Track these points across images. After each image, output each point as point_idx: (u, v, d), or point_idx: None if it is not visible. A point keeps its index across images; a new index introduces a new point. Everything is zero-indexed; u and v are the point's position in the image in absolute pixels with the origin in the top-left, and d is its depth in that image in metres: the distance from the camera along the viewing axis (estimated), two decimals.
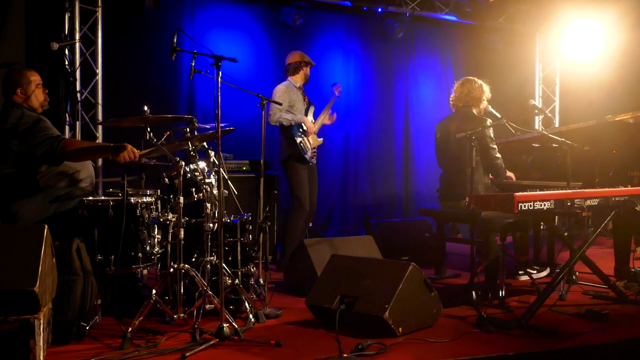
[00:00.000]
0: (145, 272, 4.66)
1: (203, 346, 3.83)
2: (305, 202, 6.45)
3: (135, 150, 4.39)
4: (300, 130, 6.44)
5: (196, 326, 4.04)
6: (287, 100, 6.41)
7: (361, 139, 8.83)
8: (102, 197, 4.57)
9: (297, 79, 6.62)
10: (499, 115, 5.59)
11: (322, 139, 6.67)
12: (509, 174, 5.96)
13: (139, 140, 4.51)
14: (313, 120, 6.59)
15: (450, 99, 6.15)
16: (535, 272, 5.96)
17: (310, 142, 6.47)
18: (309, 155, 6.46)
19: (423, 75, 9.34)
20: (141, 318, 4.07)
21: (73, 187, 4.61)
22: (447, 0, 8.92)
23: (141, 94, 7.04)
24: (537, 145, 6.28)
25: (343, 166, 8.71)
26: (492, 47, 9.61)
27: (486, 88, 6.00)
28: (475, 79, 6.02)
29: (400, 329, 4.08)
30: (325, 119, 6.73)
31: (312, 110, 6.65)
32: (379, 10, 8.65)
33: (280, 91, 6.48)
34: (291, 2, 7.95)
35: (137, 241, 4.38)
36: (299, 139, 6.40)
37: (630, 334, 4.26)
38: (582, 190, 4.69)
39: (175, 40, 4.26)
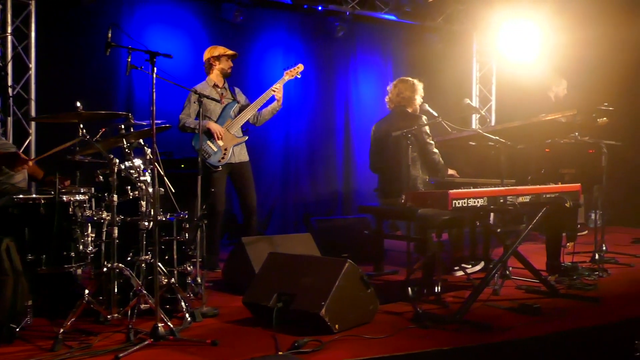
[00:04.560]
0: (79, 271, 4.56)
1: (137, 346, 3.77)
2: (218, 204, 6.33)
3: (26, 157, 4.30)
4: (205, 134, 6.27)
5: (131, 326, 3.98)
6: (195, 102, 6.17)
7: (302, 137, 8.84)
8: (33, 195, 4.46)
9: (213, 78, 6.45)
10: (435, 114, 5.65)
11: (245, 137, 6.45)
12: (451, 171, 6.03)
13: (73, 137, 4.42)
14: (232, 119, 6.39)
15: (385, 100, 6.21)
16: (469, 266, 6.07)
17: (217, 145, 6.29)
18: (214, 159, 6.28)
19: (364, 73, 9.42)
20: (74, 319, 3.98)
21: (3, 185, 4.48)
22: None
23: (78, 90, 6.90)
24: (473, 143, 6.38)
25: (284, 164, 8.71)
26: (431, 47, 9.77)
27: (419, 86, 6.08)
28: (408, 79, 6.10)
29: (337, 326, 4.09)
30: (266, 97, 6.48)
31: (236, 107, 6.47)
32: (320, 8, 8.67)
33: (191, 95, 6.31)
34: None
35: (70, 240, 4.29)
36: (199, 146, 6.24)
37: (561, 326, 4.36)
38: (514, 187, 4.78)
39: (110, 35, 4.19)
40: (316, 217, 7.63)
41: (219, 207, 6.39)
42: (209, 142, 6.29)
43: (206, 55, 6.45)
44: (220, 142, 6.31)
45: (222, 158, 6.32)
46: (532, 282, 5.39)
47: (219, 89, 6.46)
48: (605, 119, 7.41)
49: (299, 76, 6.61)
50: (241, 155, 6.47)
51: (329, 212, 8.93)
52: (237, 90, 6.64)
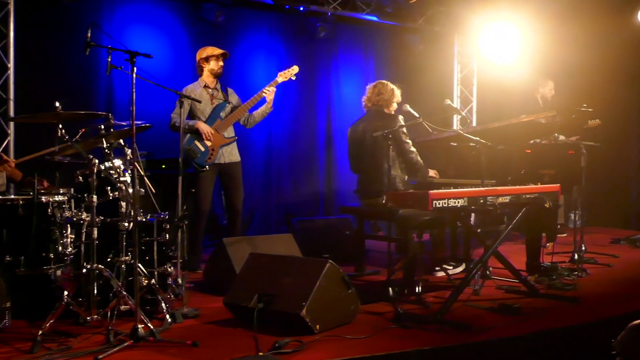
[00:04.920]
0: (58, 273, 4.53)
1: (117, 348, 3.75)
2: (202, 204, 6.36)
3: (7, 158, 4.27)
4: (194, 134, 6.30)
5: (110, 328, 3.96)
6: (185, 102, 6.21)
7: (284, 137, 8.83)
8: (12, 196, 4.42)
9: (204, 78, 6.46)
10: (417, 115, 5.66)
11: (233, 137, 6.45)
12: (432, 172, 6.03)
13: (53, 137, 4.39)
14: (222, 119, 6.39)
15: (362, 100, 6.21)
16: (451, 267, 6.10)
17: (205, 145, 6.29)
18: (201, 159, 6.29)
19: (346, 74, 9.43)
20: (53, 320, 3.95)
21: None
22: (369, 0, 9.02)
23: (57, 90, 6.83)
24: (454, 144, 6.42)
25: (265, 165, 8.70)
26: (413, 48, 9.80)
27: (397, 92, 6.09)
28: (389, 83, 6.12)
29: (318, 326, 4.10)
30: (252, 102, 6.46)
31: (228, 108, 6.47)
32: (301, 9, 8.67)
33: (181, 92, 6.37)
34: None
35: (49, 241, 4.26)
36: (187, 145, 6.26)
37: (540, 326, 4.39)
38: (494, 188, 4.81)
39: (89, 34, 4.17)
40: (298, 217, 7.63)
41: (203, 207, 6.39)
42: (197, 142, 6.29)
43: (196, 57, 6.49)
44: (209, 143, 6.31)
45: (209, 158, 6.31)
46: (512, 282, 5.42)
47: (210, 90, 6.46)
48: (597, 120, 7.52)
49: (293, 78, 6.60)
50: (231, 155, 6.46)
51: (310, 212, 8.93)
52: (230, 91, 6.64)
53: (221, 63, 6.46)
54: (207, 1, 7.94)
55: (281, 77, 6.51)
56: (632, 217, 9.64)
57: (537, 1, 8.94)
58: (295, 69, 6.56)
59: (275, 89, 6.47)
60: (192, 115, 6.40)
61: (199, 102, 6.19)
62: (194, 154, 6.27)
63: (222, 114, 6.43)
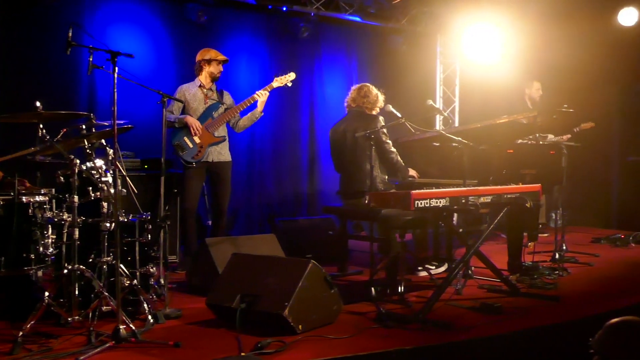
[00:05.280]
0: (39, 273, 4.50)
1: (98, 349, 3.74)
2: (186, 202, 6.40)
3: None
4: (184, 130, 6.33)
5: (92, 329, 3.94)
6: (179, 100, 6.32)
7: (267, 137, 8.82)
8: None
9: (201, 78, 6.52)
10: (399, 115, 5.69)
11: (222, 137, 6.46)
12: (412, 172, 6.06)
13: (33, 137, 4.36)
14: (213, 119, 6.41)
15: (346, 100, 6.20)
16: (433, 267, 6.12)
17: (193, 142, 6.32)
18: (188, 155, 6.31)
19: (329, 74, 9.43)
20: (34, 321, 3.92)
21: None
22: (352, 1, 9.03)
23: (38, 90, 6.78)
24: (437, 144, 6.45)
25: (248, 165, 8.68)
26: (396, 48, 9.83)
27: (381, 97, 6.11)
28: (374, 87, 6.13)
29: (300, 327, 4.10)
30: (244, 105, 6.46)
31: (221, 109, 6.49)
32: (284, 9, 8.66)
33: (177, 91, 6.49)
34: None
35: (30, 242, 4.23)
36: (176, 141, 6.31)
37: (521, 325, 4.43)
38: (476, 187, 4.84)
39: (70, 34, 4.15)
40: (281, 217, 7.63)
41: (189, 205, 6.41)
42: (186, 138, 6.33)
43: (198, 57, 6.53)
44: (197, 139, 6.33)
45: (197, 155, 6.34)
46: (494, 282, 5.46)
47: (205, 90, 6.50)
48: (590, 123, 7.62)
49: (289, 85, 6.61)
50: (220, 155, 6.48)
51: (293, 212, 8.93)
52: (225, 93, 6.67)
53: (221, 68, 6.56)
54: (190, 1, 7.91)
55: (277, 82, 6.55)
56: (612, 217, 9.73)
57: (519, 2, 9.00)
58: (292, 75, 6.59)
59: (268, 94, 6.49)
60: (185, 113, 6.46)
61: (181, 101, 6.25)
62: (182, 149, 6.31)
63: (215, 114, 6.47)
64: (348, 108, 6.18)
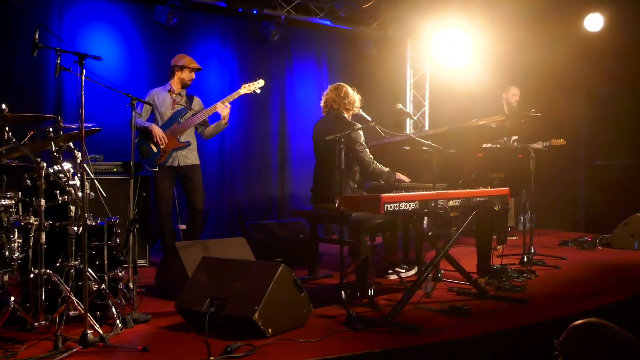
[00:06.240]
0: (5, 278, 4.44)
1: (65, 354, 3.70)
2: (161, 206, 6.51)
3: None
4: (149, 136, 6.39)
5: (59, 333, 3.89)
6: (146, 105, 6.41)
7: (237, 141, 8.80)
8: None
9: (172, 83, 6.57)
10: (369, 119, 5.71)
11: (186, 143, 6.48)
12: (401, 176, 6.01)
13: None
14: (179, 124, 6.44)
15: (324, 101, 6.08)
16: (404, 270, 6.15)
17: (157, 146, 6.39)
18: (150, 160, 6.41)
19: (299, 77, 9.44)
20: None
21: None
22: (322, 4, 9.05)
23: (4, 92, 6.69)
24: (407, 148, 6.49)
25: (219, 168, 8.65)
26: (366, 52, 9.88)
27: (357, 97, 6.05)
28: (349, 87, 6.09)
29: (270, 330, 4.10)
30: (216, 108, 6.45)
31: (188, 114, 6.50)
32: (254, 12, 8.65)
33: (147, 94, 6.54)
34: (165, 1, 7.80)
35: None
36: (140, 145, 6.40)
37: (489, 327, 4.47)
38: (445, 191, 4.87)
39: (37, 36, 4.11)
40: (251, 221, 7.61)
41: (162, 209, 6.51)
42: (150, 143, 6.40)
43: (172, 62, 6.59)
44: (162, 145, 6.37)
45: (159, 160, 6.40)
46: (463, 285, 5.50)
47: (174, 95, 6.55)
48: (562, 140, 7.78)
49: (258, 91, 6.60)
50: (187, 159, 6.52)
51: (264, 216, 8.92)
52: (195, 98, 6.70)
53: (193, 76, 6.61)
54: (160, 3, 7.86)
55: (244, 89, 6.55)
56: (579, 220, 9.87)
57: (487, 7, 9.08)
58: (260, 82, 6.60)
59: (230, 106, 6.48)
60: (154, 117, 6.53)
61: (150, 104, 6.34)
62: (145, 154, 6.40)
63: (181, 120, 6.51)
64: (328, 109, 6.05)
